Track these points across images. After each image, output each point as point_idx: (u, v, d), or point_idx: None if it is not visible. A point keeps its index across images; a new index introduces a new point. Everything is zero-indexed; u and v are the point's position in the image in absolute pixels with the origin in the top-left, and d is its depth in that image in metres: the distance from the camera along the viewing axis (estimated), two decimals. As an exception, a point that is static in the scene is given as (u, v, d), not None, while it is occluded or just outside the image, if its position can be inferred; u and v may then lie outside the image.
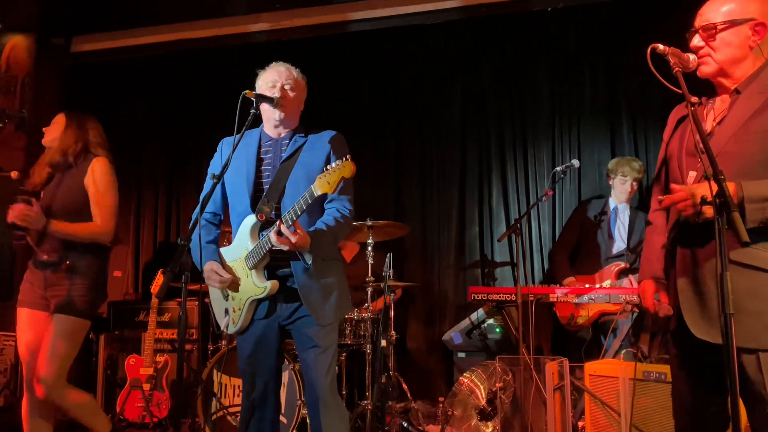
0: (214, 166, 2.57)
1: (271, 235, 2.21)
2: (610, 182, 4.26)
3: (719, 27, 1.91)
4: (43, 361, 2.89)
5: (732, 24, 1.90)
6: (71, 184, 3.06)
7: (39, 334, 2.98)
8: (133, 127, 5.68)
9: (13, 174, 3.31)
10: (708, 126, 1.95)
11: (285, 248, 2.22)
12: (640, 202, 4.43)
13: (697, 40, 1.96)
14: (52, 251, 2.98)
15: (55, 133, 3.13)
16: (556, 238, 4.71)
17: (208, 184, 2.33)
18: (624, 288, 3.65)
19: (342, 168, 2.09)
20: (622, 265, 4.02)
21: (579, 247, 4.35)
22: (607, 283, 3.95)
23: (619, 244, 4.15)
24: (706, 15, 1.95)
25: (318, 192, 2.12)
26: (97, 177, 3.07)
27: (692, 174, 1.95)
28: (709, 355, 1.83)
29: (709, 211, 1.72)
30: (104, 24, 5.64)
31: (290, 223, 2.19)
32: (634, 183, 4.17)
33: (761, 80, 1.90)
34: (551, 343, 4.41)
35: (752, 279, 1.81)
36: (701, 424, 1.97)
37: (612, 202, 4.25)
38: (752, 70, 1.92)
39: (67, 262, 2.96)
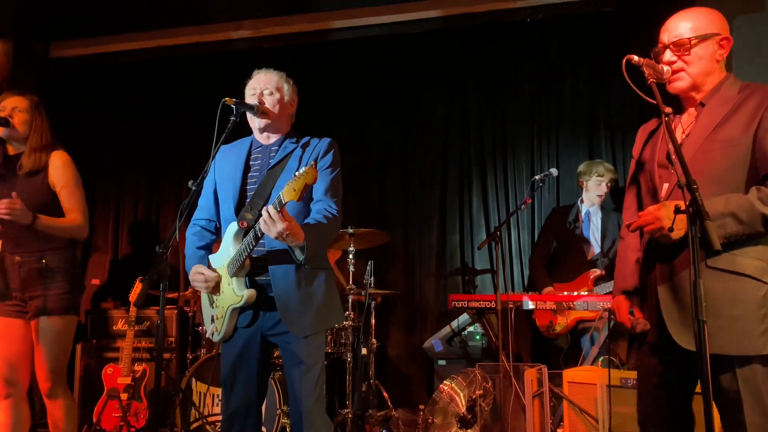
0: (209, 175, 2.53)
1: (261, 221, 2.13)
2: (582, 185, 4.28)
3: (693, 42, 1.98)
4: (43, 368, 2.88)
5: (703, 39, 1.97)
6: (34, 181, 2.91)
7: (16, 343, 2.91)
8: (112, 133, 5.63)
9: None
10: (678, 138, 1.99)
11: (274, 235, 2.11)
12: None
13: (669, 55, 2.02)
14: (27, 251, 2.89)
15: (22, 121, 2.96)
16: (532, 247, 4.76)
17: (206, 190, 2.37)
18: (601, 296, 3.69)
19: (305, 175, 2.06)
20: (598, 272, 4.06)
21: (556, 254, 4.40)
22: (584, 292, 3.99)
23: (595, 249, 4.20)
24: (676, 31, 2.01)
25: (285, 199, 2.08)
26: (65, 172, 2.96)
27: (666, 186, 2.01)
28: (693, 364, 1.84)
29: (677, 232, 1.79)
30: (84, 29, 5.59)
31: (277, 210, 2.11)
32: (610, 183, 4.21)
33: (723, 92, 1.97)
34: (530, 350, 4.43)
35: (730, 284, 1.84)
36: (671, 428, 2.00)
37: (584, 207, 4.28)
38: (716, 83, 2.00)
39: (44, 261, 2.89)
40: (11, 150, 3.03)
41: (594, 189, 4.21)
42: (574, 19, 4.84)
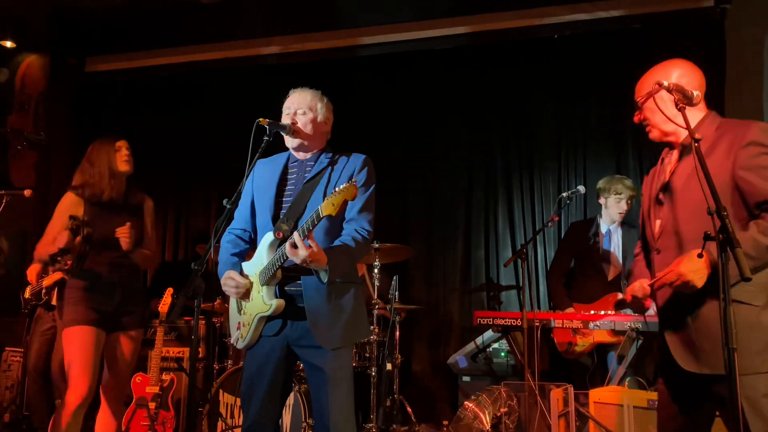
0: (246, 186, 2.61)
1: (287, 245, 2.18)
2: (602, 201, 4.16)
3: (640, 99, 2.16)
4: (123, 375, 3.27)
5: (649, 94, 2.12)
6: (132, 217, 3.29)
7: (100, 351, 3.14)
8: (143, 146, 5.73)
9: (27, 192, 3.32)
10: (666, 176, 2.13)
11: (298, 261, 2.17)
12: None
13: (636, 115, 2.21)
14: (120, 273, 3.22)
15: (127, 162, 3.34)
16: (548, 266, 4.71)
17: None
18: (629, 315, 3.64)
19: (345, 191, 2.10)
20: (620, 296, 3.96)
21: (575, 273, 4.29)
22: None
23: (616, 268, 4.10)
24: (638, 94, 2.19)
25: (323, 213, 2.13)
26: (152, 214, 3.45)
27: (658, 222, 2.12)
28: (695, 385, 1.96)
29: (701, 281, 1.86)
30: (118, 45, 5.74)
31: (302, 236, 2.17)
32: (629, 200, 4.08)
33: (701, 131, 2.02)
34: (549, 367, 4.37)
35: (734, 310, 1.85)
36: None
37: (603, 224, 4.17)
38: (694, 124, 2.05)
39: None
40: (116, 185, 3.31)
41: (614, 207, 4.09)
42: (599, 36, 4.86)
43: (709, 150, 2.00)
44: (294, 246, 2.15)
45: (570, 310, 4.06)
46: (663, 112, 2.10)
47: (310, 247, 2.15)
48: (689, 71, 2.13)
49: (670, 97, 2.06)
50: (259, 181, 2.57)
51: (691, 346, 1.96)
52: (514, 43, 5.04)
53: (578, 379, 3.87)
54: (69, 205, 3.22)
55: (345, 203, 2.14)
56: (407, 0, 5.07)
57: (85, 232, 2.99)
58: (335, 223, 2.42)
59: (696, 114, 2.10)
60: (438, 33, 5.13)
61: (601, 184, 4.20)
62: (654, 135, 2.19)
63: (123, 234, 3.15)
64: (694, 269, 1.85)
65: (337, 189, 2.13)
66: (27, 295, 4.11)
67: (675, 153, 2.16)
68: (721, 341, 1.82)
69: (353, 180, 2.15)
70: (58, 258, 3.49)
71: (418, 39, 5.18)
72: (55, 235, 3.10)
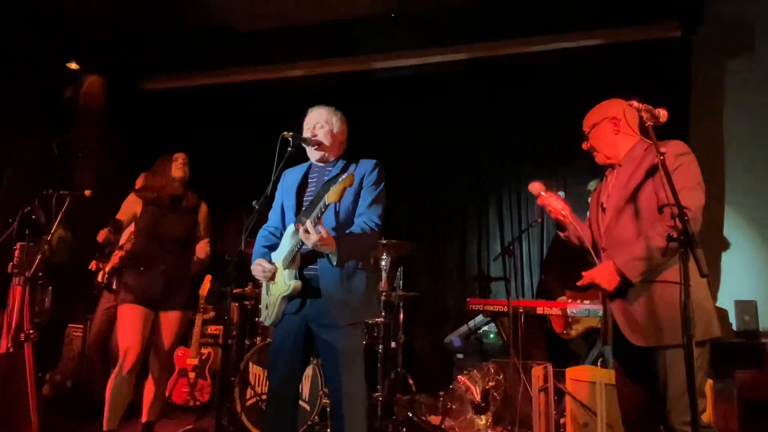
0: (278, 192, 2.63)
1: (300, 231, 2.19)
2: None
3: (587, 130, 2.27)
4: (168, 349, 3.25)
5: (594, 126, 2.24)
6: (187, 217, 3.35)
7: (149, 327, 3.18)
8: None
9: (87, 192, 3.33)
10: (609, 189, 2.22)
11: (309, 244, 2.18)
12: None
13: (584, 144, 2.30)
14: (169, 262, 3.25)
15: (181, 170, 3.36)
16: (544, 258, 4.68)
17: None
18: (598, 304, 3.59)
19: (344, 180, 2.12)
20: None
21: (568, 262, 4.23)
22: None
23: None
24: (585, 125, 2.29)
25: (327, 201, 2.13)
26: (206, 218, 3.45)
27: (603, 226, 2.20)
28: (639, 355, 2.02)
29: (608, 286, 2.04)
30: (167, 67, 5.77)
31: (313, 223, 2.17)
32: None
33: (632, 154, 2.17)
34: (548, 352, 4.29)
35: (661, 289, 1.99)
36: (641, 415, 2.11)
37: None
38: (629, 148, 2.19)
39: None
40: (170, 188, 3.34)
41: None
42: (579, 62, 4.83)
43: (636, 168, 2.09)
44: (307, 231, 2.16)
45: (563, 298, 4.02)
46: (607, 140, 2.20)
47: (319, 232, 2.15)
48: (627, 106, 2.13)
49: (611, 128, 2.20)
50: (287, 186, 2.58)
51: (633, 323, 2.02)
52: (506, 67, 5.02)
53: (573, 362, 3.80)
54: (130, 203, 3.30)
55: (344, 190, 2.14)
56: (413, 30, 5.05)
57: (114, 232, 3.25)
58: (349, 217, 2.41)
59: (629, 140, 2.19)
60: (441, 59, 5.13)
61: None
62: (600, 159, 2.26)
63: (203, 251, 3.33)
64: (604, 275, 2.02)
65: (339, 180, 2.14)
66: (99, 279, 4.15)
67: (615, 172, 2.22)
68: (659, 319, 1.95)
69: (352, 171, 2.18)
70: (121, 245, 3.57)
71: (424, 64, 5.18)
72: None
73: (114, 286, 4.01)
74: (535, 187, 2.40)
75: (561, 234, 2.45)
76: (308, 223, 2.15)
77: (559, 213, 2.33)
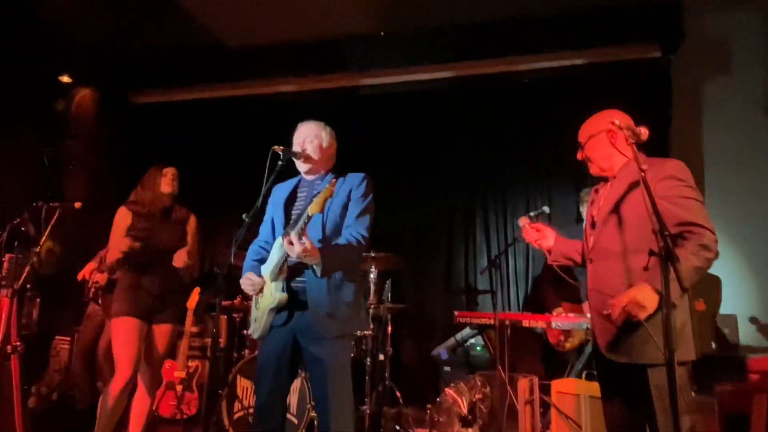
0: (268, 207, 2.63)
1: (284, 242, 2.18)
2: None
3: (583, 142, 2.22)
4: (159, 362, 3.21)
5: (591, 137, 2.19)
6: (176, 228, 3.30)
7: (143, 340, 3.13)
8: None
9: (77, 204, 3.30)
10: (601, 203, 2.18)
11: (294, 255, 2.17)
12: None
13: (579, 153, 2.25)
14: (162, 276, 3.20)
15: (170, 185, 3.33)
16: (529, 272, 4.71)
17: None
18: (581, 317, 3.61)
19: (324, 191, 2.13)
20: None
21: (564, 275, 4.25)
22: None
23: None
24: (581, 136, 2.24)
25: (310, 213, 2.14)
26: (194, 229, 3.39)
27: (592, 239, 2.17)
28: (617, 371, 2.00)
29: (650, 305, 1.85)
30: (158, 81, 5.76)
31: (297, 235, 2.17)
32: None
33: (626, 168, 2.11)
34: (543, 363, 4.27)
35: None
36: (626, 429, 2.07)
37: None
38: (626, 161, 2.12)
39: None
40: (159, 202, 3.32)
41: None
42: (562, 80, 4.91)
43: (634, 183, 2.02)
44: (291, 243, 2.15)
45: (559, 309, 4.01)
46: (603, 152, 2.16)
47: (303, 243, 2.14)
48: (622, 118, 2.13)
49: (607, 139, 2.14)
50: (276, 200, 2.59)
51: (615, 340, 2.00)
52: (491, 85, 5.08)
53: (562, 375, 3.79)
54: (121, 217, 3.26)
55: (325, 201, 2.14)
56: (402, 49, 5.11)
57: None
58: (337, 229, 2.41)
59: (626, 154, 2.14)
60: (428, 77, 5.18)
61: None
62: (594, 170, 2.23)
63: (180, 260, 3.22)
64: (646, 296, 1.83)
65: (320, 192, 2.15)
66: (90, 294, 4.12)
67: (608, 185, 2.18)
68: (643, 336, 1.90)
69: (333, 181, 2.19)
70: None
71: (412, 81, 5.23)
72: (117, 241, 3.17)
73: (100, 301, 3.98)
74: (521, 221, 2.48)
75: (549, 260, 2.44)
76: (292, 234, 2.15)
77: (538, 245, 2.39)
